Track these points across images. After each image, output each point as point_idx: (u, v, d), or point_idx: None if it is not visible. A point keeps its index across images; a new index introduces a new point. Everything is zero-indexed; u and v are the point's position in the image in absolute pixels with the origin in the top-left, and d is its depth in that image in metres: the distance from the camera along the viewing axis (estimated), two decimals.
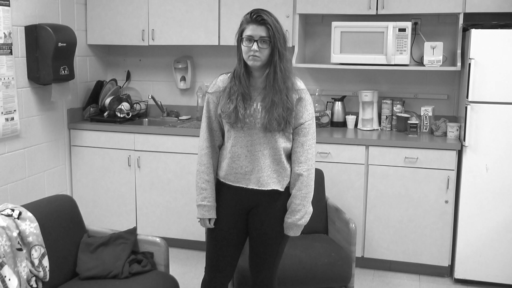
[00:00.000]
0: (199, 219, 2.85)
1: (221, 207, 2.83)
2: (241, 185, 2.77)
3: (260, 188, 2.74)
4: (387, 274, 4.38)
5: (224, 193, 2.83)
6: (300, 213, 2.73)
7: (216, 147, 2.84)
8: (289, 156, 2.77)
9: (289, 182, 2.78)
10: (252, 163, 2.72)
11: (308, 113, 2.73)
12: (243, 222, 2.85)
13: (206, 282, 2.97)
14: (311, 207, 2.78)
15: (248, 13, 2.64)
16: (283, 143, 2.72)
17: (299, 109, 2.71)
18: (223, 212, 2.83)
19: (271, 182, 2.74)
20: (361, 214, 4.32)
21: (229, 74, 2.78)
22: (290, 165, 2.77)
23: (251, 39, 2.59)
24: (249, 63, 2.63)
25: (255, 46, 2.58)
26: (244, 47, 2.63)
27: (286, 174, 2.76)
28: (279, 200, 2.77)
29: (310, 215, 2.77)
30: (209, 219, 2.83)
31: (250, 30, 2.60)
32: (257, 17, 2.59)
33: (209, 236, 2.91)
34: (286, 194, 2.78)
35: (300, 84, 2.75)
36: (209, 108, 2.81)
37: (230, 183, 2.79)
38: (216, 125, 2.81)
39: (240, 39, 2.65)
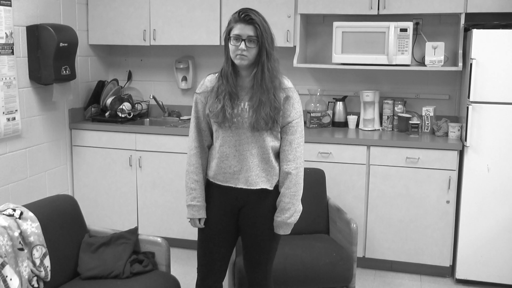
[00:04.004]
0: (189, 219, 2.87)
1: (211, 207, 2.85)
2: (230, 185, 2.78)
3: (249, 188, 2.75)
4: (388, 274, 4.38)
5: (214, 193, 2.84)
6: (290, 212, 2.73)
7: (205, 147, 2.85)
8: (277, 155, 2.78)
9: (278, 181, 2.78)
10: (241, 162, 2.73)
11: (295, 111, 2.74)
12: (234, 222, 2.86)
13: (199, 282, 2.98)
14: (301, 205, 2.79)
15: (236, 12, 2.65)
16: (271, 142, 2.73)
17: (286, 108, 2.71)
18: (213, 212, 2.85)
19: (260, 181, 2.74)
20: (363, 214, 4.32)
21: (216, 74, 2.80)
22: (279, 164, 2.78)
23: (238, 38, 2.61)
24: (237, 62, 2.65)
25: (242, 45, 2.60)
26: (231, 46, 2.64)
27: (275, 172, 2.77)
28: (268, 199, 2.78)
29: (299, 213, 2.78)
30: (199, 219, 2.84)
31: (238, 29, 2.61)
32: (245, 16, 2.60)
33: (199, 237, 2.92)
34: (275, 192, 2.78)
35: (287, 83, 2.76)
36: (197, 108, 2.82)
37: (219, 183, 2.80)
38: (204, 125, 2.82)
39: (227, 38, 2.67)
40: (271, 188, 2.77)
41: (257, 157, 2.72)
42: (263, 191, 2.76)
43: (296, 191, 2.74)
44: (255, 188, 2.74)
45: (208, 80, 2.82)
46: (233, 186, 2.76)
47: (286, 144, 2.73)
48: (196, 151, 2.82)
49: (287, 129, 2.73)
